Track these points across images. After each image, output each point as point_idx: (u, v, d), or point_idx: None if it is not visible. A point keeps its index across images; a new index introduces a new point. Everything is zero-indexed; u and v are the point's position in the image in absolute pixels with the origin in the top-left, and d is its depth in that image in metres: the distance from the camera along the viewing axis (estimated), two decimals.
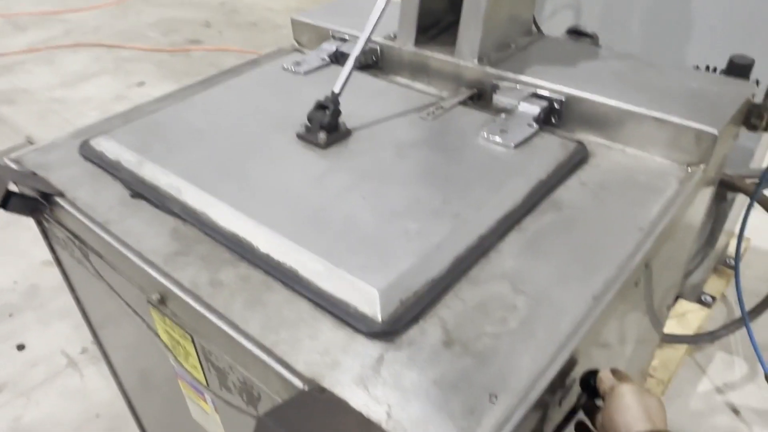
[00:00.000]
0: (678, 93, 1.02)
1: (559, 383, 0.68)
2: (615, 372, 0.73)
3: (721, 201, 1.62)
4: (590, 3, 1.67)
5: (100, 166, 1.00)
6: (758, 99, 1.05)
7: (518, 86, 1.08)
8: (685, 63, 1.53)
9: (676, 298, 1.88)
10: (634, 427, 0.63)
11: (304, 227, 0.80)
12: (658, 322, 1.35)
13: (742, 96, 1.01)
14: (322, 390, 0.63)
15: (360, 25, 1.03)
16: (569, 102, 1.04)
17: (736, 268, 1.44)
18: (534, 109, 1.03)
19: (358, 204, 0.85)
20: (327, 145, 0.97)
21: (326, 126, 0.97)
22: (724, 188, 1.52)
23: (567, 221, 0.86)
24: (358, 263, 0.74)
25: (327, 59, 1.27)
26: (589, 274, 0.77)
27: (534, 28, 1.26)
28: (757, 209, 1.39)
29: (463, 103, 1.11)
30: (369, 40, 1.03)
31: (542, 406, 0.66)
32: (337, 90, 0.99)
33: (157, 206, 0.90)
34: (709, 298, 1.89)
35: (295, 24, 1.42)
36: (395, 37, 1.23)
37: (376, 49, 1.26)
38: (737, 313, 1.81)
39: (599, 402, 0.73)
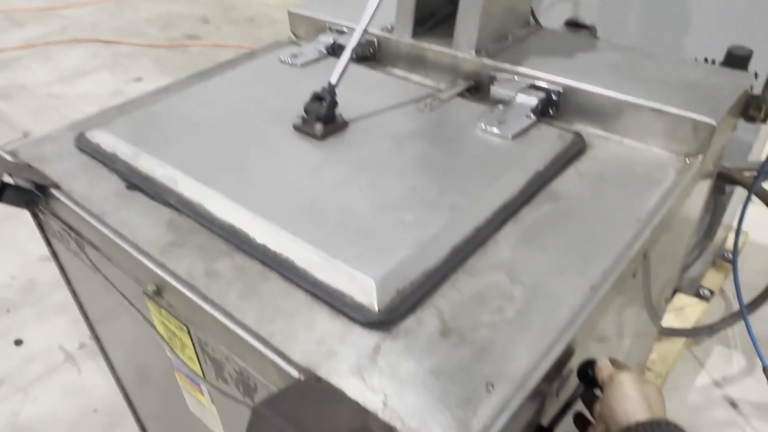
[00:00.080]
0: (676, 84, 1.02)
1: (556, 373, 0.67)
2: (613, 361, 0.73)
3: (719, 194, 1.62)
4: None
5: (95, 158, 1.00)
6: (757, 91, 1.05)
7: (516, 78, 1.08)
8: (683, 55, 1.53)
9: (675, 291, 1.87)
10: (633, 416, 0.62)
11: (300, 218, 0.80)
12: (656, 315, 1.35)
13: (740, 87, 1.01)
14: (318, 379, 0.62)
15: (357, 17, 1.03)
16: (567, 93, 1.03)
17: (734, 261, 1.44)
18: (531, 100, 1.03)
19: (354, 195, 0.84)
20: (324, 136, 0.97)
21: (323, 117, 0.97)
22: (723, 181, 1.52)
23: (564, 212, 0.85)
24: (355, 253, 0.74)
25: (324, 51, 1.26)
26: (586, 265, 0.76)
27: (532, 20, 1.26)
28: (755, 204, 1.39)
29: (461, 94, 1.11)
30: (366, 31, 1.02)
31: (539, 395, 0.66)
32: (333, 81, 0.98)
33: (153, 198, 0.90)
34: (707, 292, 1.89)
35: (292, 16, 1.41)
36: (392, 29, 1.23)
37: (374, 42, 1.25)
38: (735, 308, 1.81)
39: (597, 392, 0.73)
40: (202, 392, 0.97)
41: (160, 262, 0.79)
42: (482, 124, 0.99)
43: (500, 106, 1.04)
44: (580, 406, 0.78)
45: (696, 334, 1.79)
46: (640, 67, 1.08)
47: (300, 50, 1.27)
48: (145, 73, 3.75)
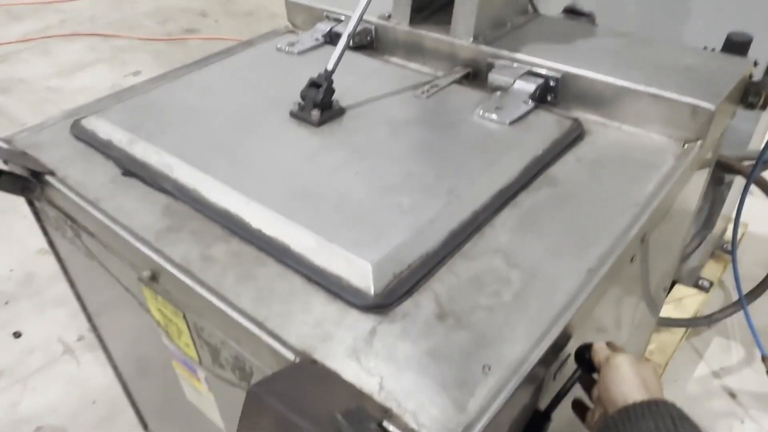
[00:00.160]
0: (674, 70, 1.01)
1: (553, 356, 0.67)
2: (610, 344, 0.73)
3: (718, 184, 1.61)
4: None
5: (91, 146, 0.99)
6: (757, 77, 1.04)
7: (514, 64, 1.07)
8: (682, 43, 1.52)
9: (674, 282, 1.87)
10: (630, 397, 0.62)
11: (296, 203, 0.80)
12: (654, 304, 1.34)
13: (739, 73, 1.00)
14: (314, 362, 0.62)
15: (354, 5, 1.02)
16: (565, 79, 1.03)
17: (733, 252, 1.44)
18: (530, 86, 1.02)
19: (351, 180, 0.84)
20: (320, 123, 0.96)
21: (319, 104, 0.96)
22: (722, 170, 1.52)
23: (562, 197, 0.85)
24: (351, 238, 0.73)
25: (321, 39, 1.25)
26: (584, 249, 0.76)
27: (530, 7, 1.25)
28: (754, 196, 1.38)
29: (458, 81, 1.10)
30: (362, 16, 1.01)
31: (536, 378, 0.66)
32: (330, 67, 0.98)
33: (148, 184, 0.89)
34: (706, 283, 1.89)
35: (290, 5, 1.40)
36: (390, 16, 1.22)
37: (371, 30, 1.24)
38: (735, 299, 1.81)
39: (595, 375, 0.73)
40: (199, 380, 0.96)
41: (155, 247, 0.79)
42: (480, 110, 0.98)
43: (498, 93, 1.03)
44: (578, 392, 0.78)
45: (694, 323, 1.79)
46: (638, 53, 1.07)
47: (297, 38, 1.26)
48: (144, 66, 3.74)
